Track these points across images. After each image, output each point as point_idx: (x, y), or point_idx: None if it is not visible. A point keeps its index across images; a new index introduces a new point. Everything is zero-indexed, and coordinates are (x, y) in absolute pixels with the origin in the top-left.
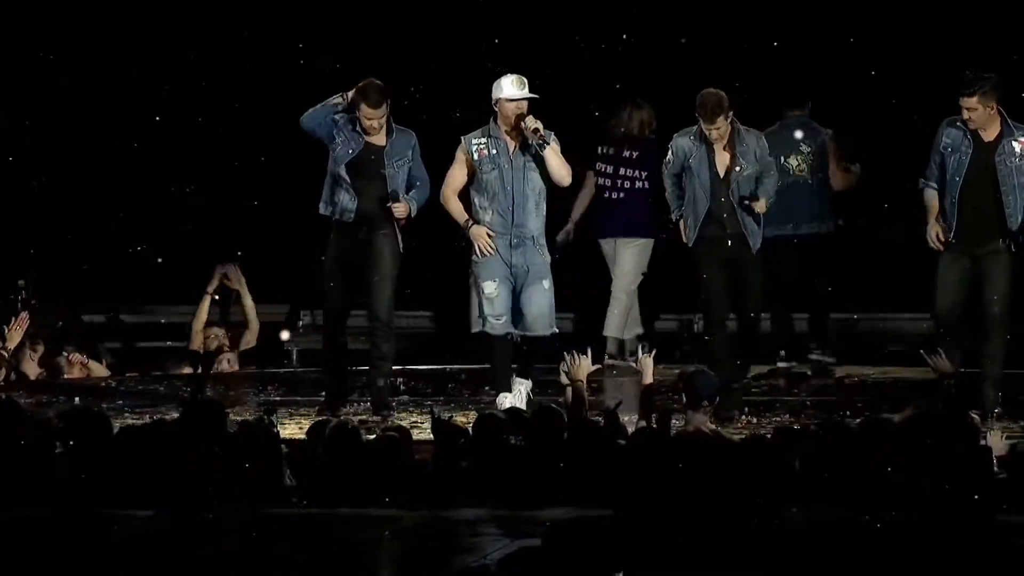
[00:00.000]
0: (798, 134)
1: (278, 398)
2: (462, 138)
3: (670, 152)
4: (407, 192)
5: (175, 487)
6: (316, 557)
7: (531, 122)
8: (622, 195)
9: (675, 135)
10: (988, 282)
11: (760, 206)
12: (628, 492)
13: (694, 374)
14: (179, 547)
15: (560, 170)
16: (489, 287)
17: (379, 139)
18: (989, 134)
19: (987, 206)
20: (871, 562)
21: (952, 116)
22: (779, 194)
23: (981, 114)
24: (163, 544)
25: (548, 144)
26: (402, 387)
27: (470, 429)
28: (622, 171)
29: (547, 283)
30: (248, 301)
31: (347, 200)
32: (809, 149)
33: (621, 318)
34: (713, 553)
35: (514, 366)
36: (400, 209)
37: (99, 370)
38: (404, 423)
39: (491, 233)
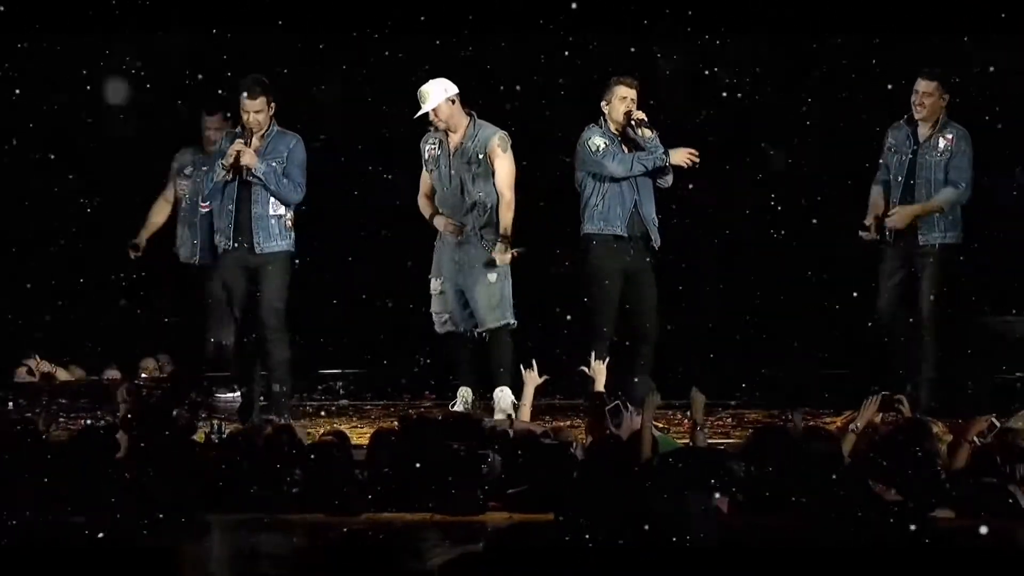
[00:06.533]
0: None
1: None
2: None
3: (603, 147)
4: None
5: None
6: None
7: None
8: None
9: (591, 134)
10: (921, 282)
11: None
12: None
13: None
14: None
15: None
16: (433, 284)
17: (257, 142)
18: (925, 132)
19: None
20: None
21: (897, 121)
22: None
23: (935, 102)
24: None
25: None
26: (341, 391)
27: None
28: None
29: (493, 276)
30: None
31: (225, 221)
32: None
33: None
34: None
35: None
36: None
37: (64, 375)
38: (343, 427)
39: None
